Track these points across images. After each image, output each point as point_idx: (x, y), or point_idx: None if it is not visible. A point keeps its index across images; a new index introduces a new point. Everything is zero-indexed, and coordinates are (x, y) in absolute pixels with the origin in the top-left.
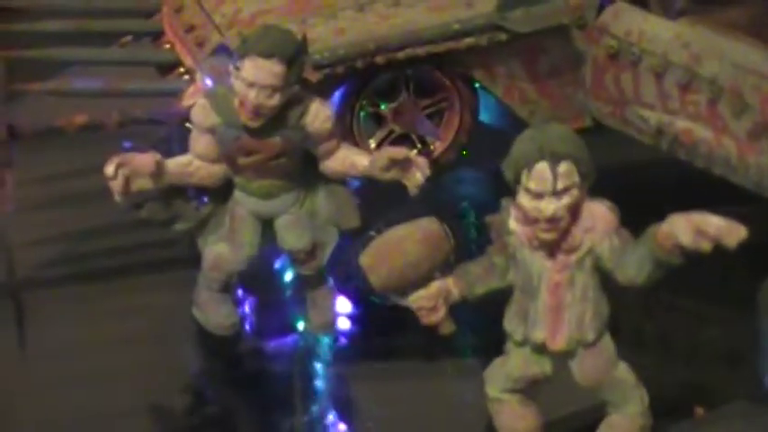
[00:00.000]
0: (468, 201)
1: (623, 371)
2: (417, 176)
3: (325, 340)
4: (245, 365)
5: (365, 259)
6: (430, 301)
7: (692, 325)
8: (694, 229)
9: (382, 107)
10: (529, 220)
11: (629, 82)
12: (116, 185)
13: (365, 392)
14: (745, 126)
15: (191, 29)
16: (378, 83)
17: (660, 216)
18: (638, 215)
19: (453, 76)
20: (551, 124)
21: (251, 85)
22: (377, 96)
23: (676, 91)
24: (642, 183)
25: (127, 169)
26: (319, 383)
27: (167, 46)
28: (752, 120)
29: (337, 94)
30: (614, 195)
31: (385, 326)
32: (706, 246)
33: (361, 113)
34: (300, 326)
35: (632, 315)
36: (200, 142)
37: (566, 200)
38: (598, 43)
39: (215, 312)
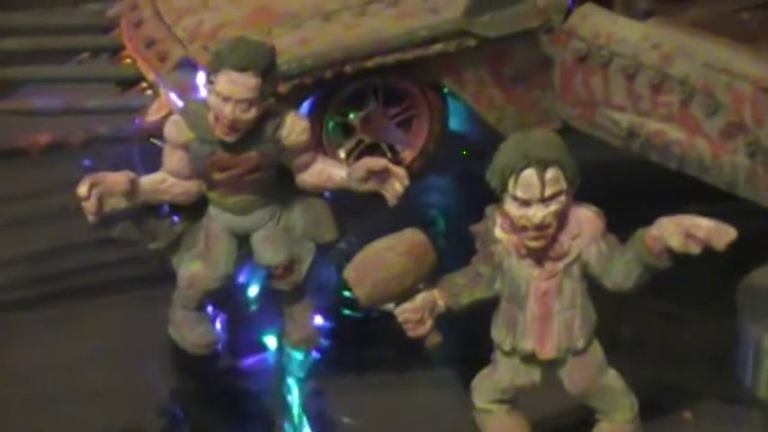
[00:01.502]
0: (436, 208)
1: (613, 378)
2: (397, 187)
3: (298, 355)
4: (219, 383)
5: (349, 273)
6: (416, 314)
7: (667, 326)
8: (684, 231)
9: (350, 117)
10: (516, 228)
11: (599, 84)
12: (89, 206)
13: (340, 406)
14: (718, 126)
15: (152, 43)
16: (345, 92)
17: (632, 216)
18: (610, 216)
19: (421, 83)
20: (536, 130)
21: (226, 99)
22: (345, 106)
23: (647, 92)
24: (611, 184)
25: (100, 189)
26: (294, 399)
27: (127, 61)
28: (725, 119)
29: (305, 106)
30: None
31: (356, 339)
32: (695, 248)
33: (330, 124)
34: (274, 342)
35: (606, 317)
36: (174, 159)
37: (553, 206)
38: (566, 46)
39: (191, 332)
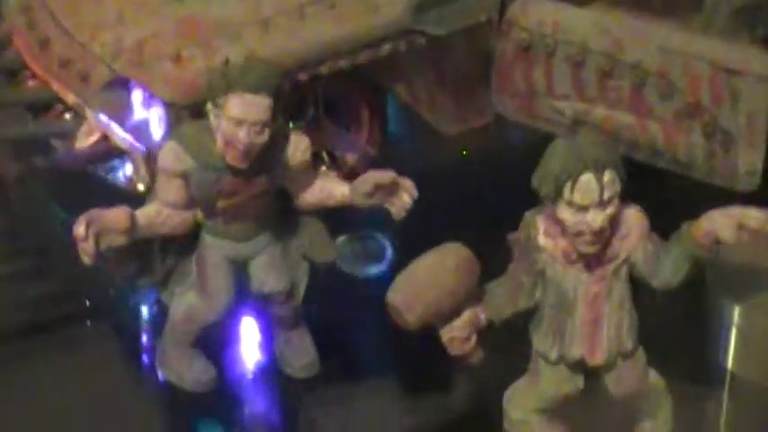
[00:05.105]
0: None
1: (655, 377)
2: (405, 199)
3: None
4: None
5: (395, 297)
6: (463, 331)
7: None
8: (735, 223)
9: (291, 126)
10: (571, 234)
11: (542, 74)
12: (88, 247)
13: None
14: (674, 108)
15: (66, 63)
16: (288, 101)
17: None
18: None
19: (361, 86)
20: (584, 133)
21: (240, 123)
22: (286, 116)
23: (596, 78)
24: None
25: (97, 227)
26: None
27: (31, 83)
28: (681, 101)
29: None
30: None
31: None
32: (746, 239)
33: None
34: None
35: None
36: (171, 189)
37: (610, 209)
38: (507, 37)
39: (190, 369)
